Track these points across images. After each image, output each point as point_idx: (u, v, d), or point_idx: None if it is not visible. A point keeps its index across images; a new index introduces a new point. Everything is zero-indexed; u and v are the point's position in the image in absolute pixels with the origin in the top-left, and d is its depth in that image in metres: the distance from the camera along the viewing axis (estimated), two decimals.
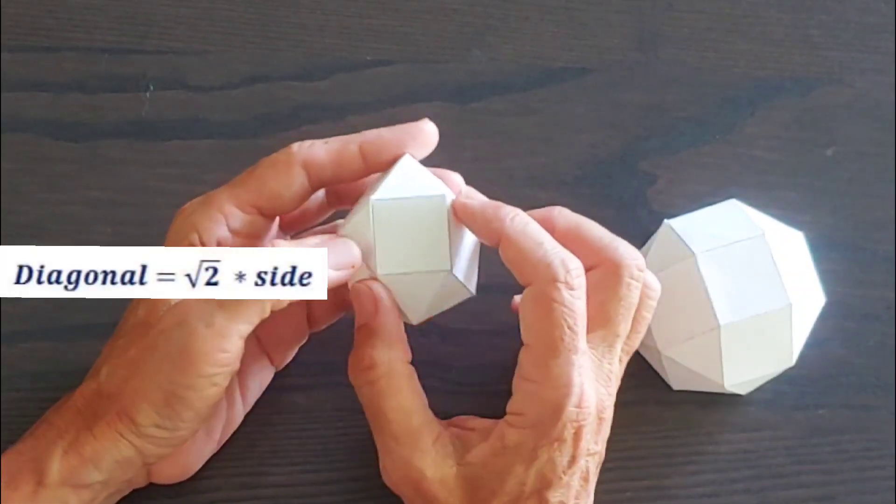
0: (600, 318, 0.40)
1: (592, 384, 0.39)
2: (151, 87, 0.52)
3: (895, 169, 0.52)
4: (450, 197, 0.40)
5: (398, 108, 0.52)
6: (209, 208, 0.41)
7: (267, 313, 0.38)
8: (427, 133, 0.41)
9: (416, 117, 0.40)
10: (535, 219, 0.40)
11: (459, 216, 0.40)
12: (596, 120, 0.53)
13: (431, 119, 0.41)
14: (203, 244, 0.40)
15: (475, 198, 0.41)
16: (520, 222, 0.39)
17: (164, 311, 0.39)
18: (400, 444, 0.40)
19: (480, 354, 0.48)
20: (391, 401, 0.40)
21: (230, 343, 0.38)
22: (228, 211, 0.41)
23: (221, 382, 0.38)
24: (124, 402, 0.38)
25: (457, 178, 0.42)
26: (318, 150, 0.41)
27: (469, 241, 0.41)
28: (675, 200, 0.51)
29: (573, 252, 0.39)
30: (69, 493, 0.39)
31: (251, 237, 0.41)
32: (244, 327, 0.38)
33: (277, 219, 0.43)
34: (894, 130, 0.53)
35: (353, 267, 0.40)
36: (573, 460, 0.39)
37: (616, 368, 0.41)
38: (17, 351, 0.47)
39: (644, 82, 0.53)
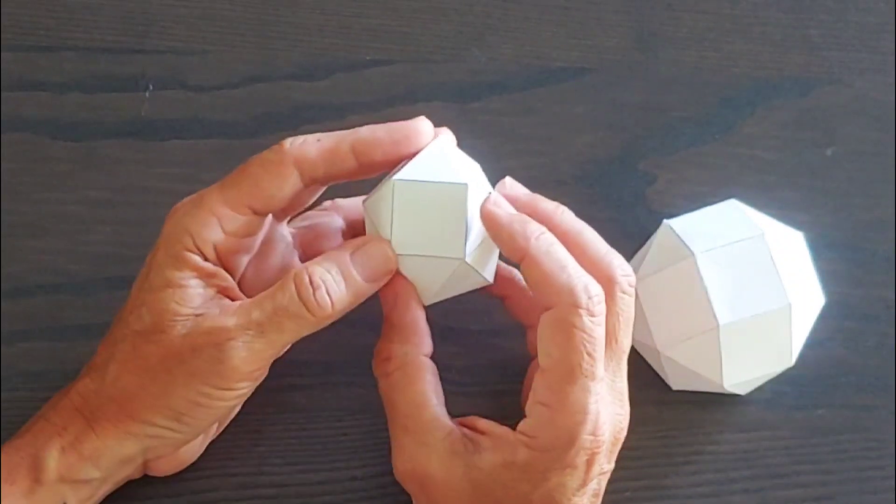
0: (605, 336, 0.39)
1: (609, 409, 0.39)
2: (151, 87, 0.52)
3: (895, 169, 0.52)
4: (476, 186, 0.40)
5: (398, 108, 0.52)
6: (201, 211, 0.39)
7: (303, 334, 0.38)
8: (422, 134, 0.40)
9: (415, 117, 0.40)
10: (538, 209, 0.40)
11: (485, 225, 0.39)
12: (595, 120, 0.53)
13: (431, 119, 0.41)
14: (198, 248, 0.39)
15: (503, 207, 0.39)
16: (545, 242, 0.38)
17: (187, 324, 0.38)
18: (409, 435, 0.40)
19: (480, 354, 0.48)
20: (403, 393, 0.40)
21: (267, 363, 0.39)
22: (221, 213, 0.39)
23: (248, 392, 0.40)
24: (136, 406, 0.39)
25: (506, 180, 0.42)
26: (309, 149, 0.39)
27: None
28: (674, 200, 0.51)
29: None
30: (67, 489, 0.39)
31: (246, 236, 0.41)
32: (280, 350, 0.39)
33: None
34: (894, 130, 0.53)
35: (390, 274, 0.40)
36: (583, 483, 0.39)
37: (626, 384, 0.41)
38: (16, 351, 0.47)
39: (643, 82, 0.53)
